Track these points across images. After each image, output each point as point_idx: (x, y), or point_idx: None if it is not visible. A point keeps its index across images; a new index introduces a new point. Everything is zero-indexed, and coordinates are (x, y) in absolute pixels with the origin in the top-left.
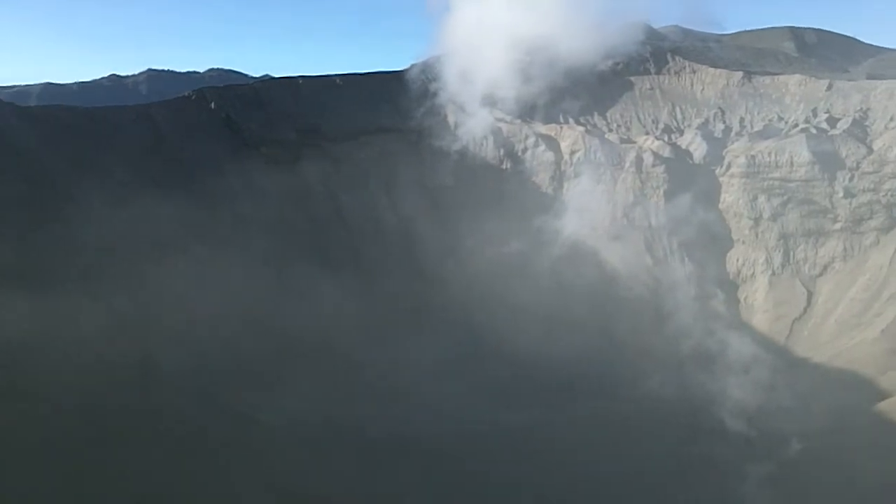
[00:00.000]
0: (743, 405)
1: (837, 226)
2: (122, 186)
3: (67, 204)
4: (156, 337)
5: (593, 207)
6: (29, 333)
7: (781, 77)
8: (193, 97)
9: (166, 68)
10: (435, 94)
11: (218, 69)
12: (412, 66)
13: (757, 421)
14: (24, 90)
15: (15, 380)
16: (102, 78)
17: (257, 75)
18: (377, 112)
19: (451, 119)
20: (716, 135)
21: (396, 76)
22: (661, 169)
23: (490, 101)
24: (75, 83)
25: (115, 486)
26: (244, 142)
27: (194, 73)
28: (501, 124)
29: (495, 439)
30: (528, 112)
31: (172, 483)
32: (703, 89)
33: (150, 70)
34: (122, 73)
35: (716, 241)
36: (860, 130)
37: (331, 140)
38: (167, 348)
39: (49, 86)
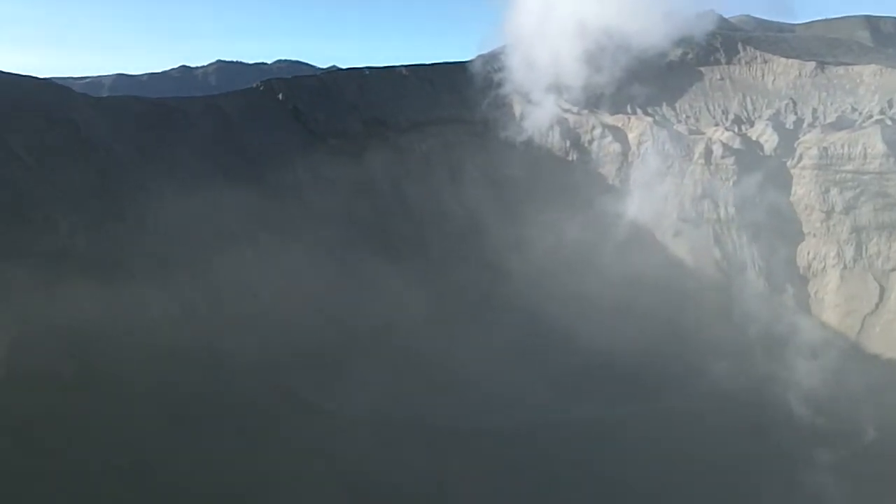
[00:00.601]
0: (813, 394)
1: None
2: (191, 176)
3: (139, 194)
4: (224, 325)
5: (660, 199)
6: (101, 321)
7: (856, 67)
8: (261, 88)
9: (235, 59)
10: (500, 85)
11: (286, 60)
12: (478, 56)
13: (827, 410)
14: (97, 81)
15: (88, 367)
16: (172, 69)
17: (324, 66)
18: (442, 103)
19: (516, 109)
20: (787, 126)
21: (462, 66)
22: (730, 160)
23: (556, 91)
24: (146, 74)
25: (185, 471)
26: (311, 133)
27: (262, 64)
28: (568, 115)
29: (562, 430)
30: (594, 102)
31: (240, 469)
32: (774, 80)
33: (219, 61)
34: (192, 65)
35: (786, 235)
36: None
37: (396, 131)
38: (235, 336)
39: (120, 76)
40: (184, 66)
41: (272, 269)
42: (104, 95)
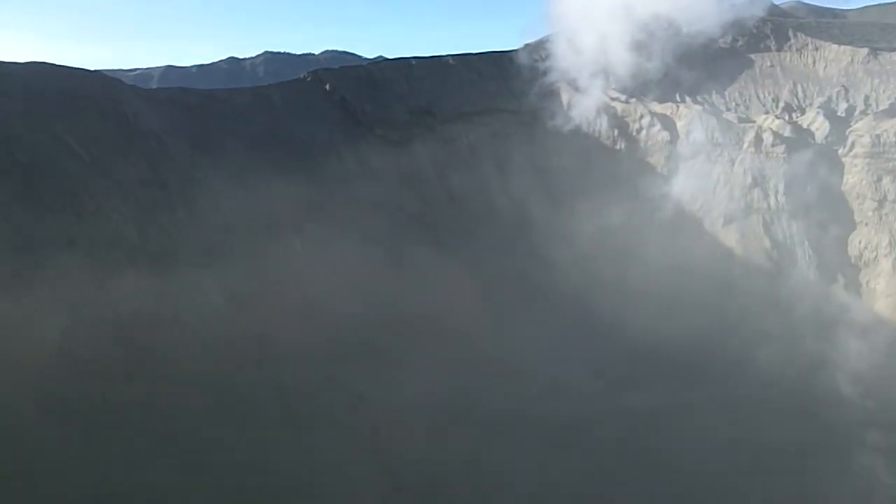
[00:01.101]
0: (863, 378)
1: None
2: (240, 167)
3: (189, 184)
4: (273, 315)
5: (710, 188)
6: (152, 310)
7: None
8: (309, 79)
9: (282, 50)
10: (547, 74)
11: (333, 51)
12: (524, 45)
13: (877, 393)
14: (146, 73)
15: (139, 355)
16: (221, 60)
17: (371, 57)
18: (489, 92)
19: (563, 98)
20: (839, 114)
21: (508, 55)
22: (781, 149)
23: (604, 79)
24: (194, 66)
25: (233, 458)
26: (358, 123)
27: (310, 54)
28: (615, 103)
29: (612, 419)
30: (642, 90)
31: (288, 458)
32: (826, 66)
33: (266, 52)
34: (240, 56)
35: (837, 223)
36: None
37: (443, 121)
38: (284, 326)
39: (170, 68)
40: (232, 58)
41: (320, 259)
42: (154, 87)
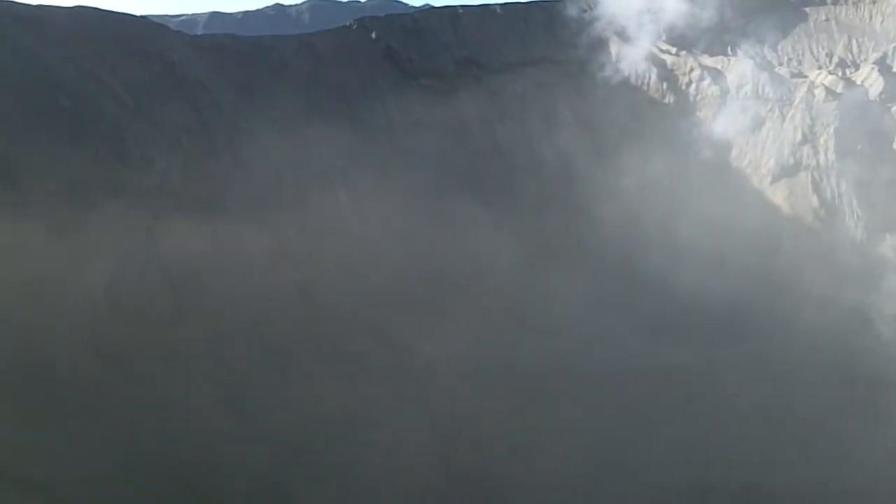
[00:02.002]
0: None
1: None
2: (285, 115)
3: (234, 132)
4: (317, 265)
5: (759, 145)
6: (198, 259)
7: None
8: (355, 27)
9: None
10: (596, 23)
11: None
12: None
13: None
14: (192, 19)
15: (185, 303)
16: (267, 7)
17: (417, 5)
18: (536, 42)
19: (612, 50)
20: (894, 70)
21: (556, 5)
22: (832, 105)
23: (654, 31)
24: (240, 12)
25: (276, 406)
26: (403, 72)
27: (356, 2)
28: (665, 56)
29: (653, 375)
30: (693, 43)
31: (331, 408)
32: (882, 21)
33: None
34: (286, 3)
35: (888, 183)
36: None
37: (489, 71)
38: (328, 276)
39: (215, 14)
40: (278, 4)
41: (365, 209)
42: (199, 34)
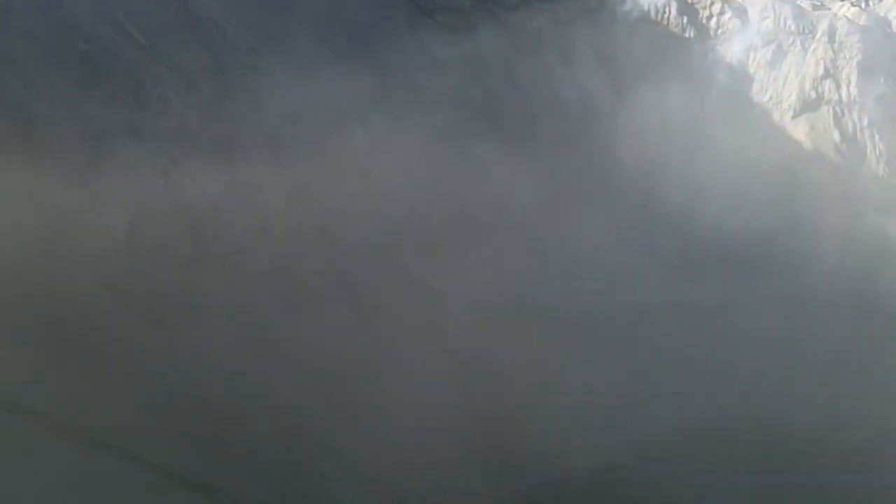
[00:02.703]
0: None
1: None
2: (302, 55)
3: (250, 73)
4: (336, 206)
5: (780, 79)
6: (217, 201)
7: None
8: None
9: None
10: None
11: None
12: None
13: None
14: None
15: (205, 244)
16: None
17: None
18: None
19: None
20: None
21: None
22: (855, 38)
23: None
24: None
25: (298, 347)
26: (419, 9)
27: None
28: None
29: (673, 313)
30: None
31: (352, 348)
32: None
33: None
34: None
35: None
36: None
37: (506, 7)
38: (347, 217)
39: None
40: None
41: (382, 149)
42: None
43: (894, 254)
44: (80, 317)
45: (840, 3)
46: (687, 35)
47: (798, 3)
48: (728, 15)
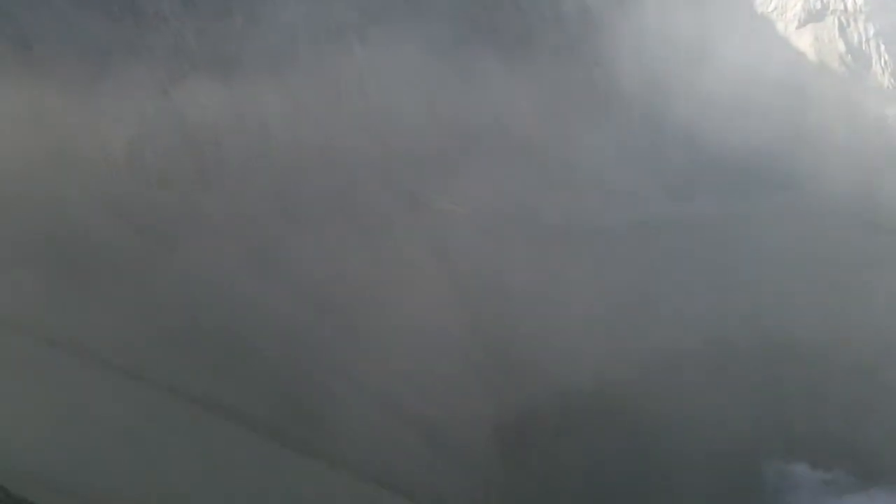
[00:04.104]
0: None
1: None
2: None
3: None
4: (335, 123)
5: None
6: (217, 118)
7: None
8: None
9: None
10: None
11: None
12: None
13: None
14: None
15: (206, 166)
16: None
17: None
18: None
19: None
20: None
21: None
22: None
23: None
24: None
25: (300, 265)
26: None
27: None
28: None
29: (676, 227)
30: None
31: (354, 265)
32: None
33: None
34: None
35: None
36: None
37: None
38: (346, 134)
39: None
40: None
41: (381, 64)
42: None
43: None
44: (82, 236)
45: None
46: None
47: None
48: None
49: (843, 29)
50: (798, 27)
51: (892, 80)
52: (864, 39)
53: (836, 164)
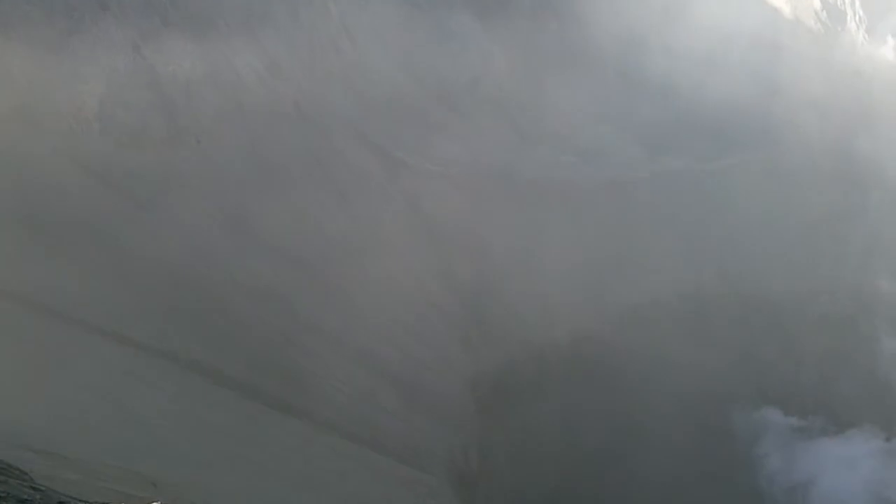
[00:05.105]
0: None
1: None
2: None
3: None
4: (309, 80)
5: None
6: (190, 75)
7: None
8: None
9: None
10: None
11: None
12: None
13: None
14: None
15: (179, 124)
16: None
17: None
18: None
19: None
20: None
21: None
22: None
23: None
24: None
25: (276, 223)
26: None
27: None
28: None
29: (651, 183)
30: None
31: (330, 223)
32: None
33: None
34: None
35: None
36: None
37: None
38: (321, 92)
39: None
40: None
41: (356, 23)
42: None
43: (872, 122)
44: (54, 195)
45: None
46: None
47: None
48: None
49: None
50: None
51: (867, 37)
52: None
53: (811, 120)
